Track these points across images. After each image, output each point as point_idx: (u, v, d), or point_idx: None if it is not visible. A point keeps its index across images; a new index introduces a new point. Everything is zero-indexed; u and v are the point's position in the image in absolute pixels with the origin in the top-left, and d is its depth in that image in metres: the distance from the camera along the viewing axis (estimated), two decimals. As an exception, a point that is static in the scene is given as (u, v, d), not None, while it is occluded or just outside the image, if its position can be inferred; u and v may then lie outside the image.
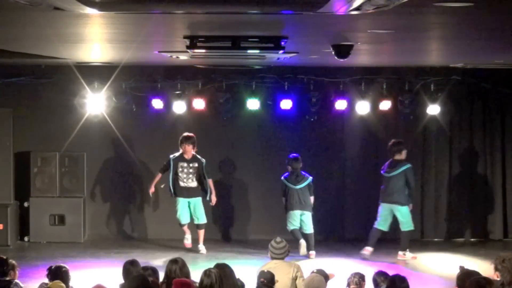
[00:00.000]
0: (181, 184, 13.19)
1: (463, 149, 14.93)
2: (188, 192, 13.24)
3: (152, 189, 13.36)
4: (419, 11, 6.62)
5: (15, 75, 14.11)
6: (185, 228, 13.38)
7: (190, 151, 13.11)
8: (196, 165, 13.20)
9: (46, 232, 14.25)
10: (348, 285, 7.94)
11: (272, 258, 8.76)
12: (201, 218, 13.32)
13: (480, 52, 10.92)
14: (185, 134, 13.23)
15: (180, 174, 13.16)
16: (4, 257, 8.18)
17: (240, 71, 13.99)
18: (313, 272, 8.19)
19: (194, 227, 13.44)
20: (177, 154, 13.20)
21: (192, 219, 13.37)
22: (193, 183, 13.24)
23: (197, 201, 13.29)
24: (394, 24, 7.62)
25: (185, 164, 13.18)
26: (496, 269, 7.39)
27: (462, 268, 7.57)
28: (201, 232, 13.36)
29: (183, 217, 13.28)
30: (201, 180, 13.24)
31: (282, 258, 8.73)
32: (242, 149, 14.70)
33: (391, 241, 14.63)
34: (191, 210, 13.29)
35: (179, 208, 13.24)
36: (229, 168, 14.77)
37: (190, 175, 13.19)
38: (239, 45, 8.64)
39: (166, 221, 14.79)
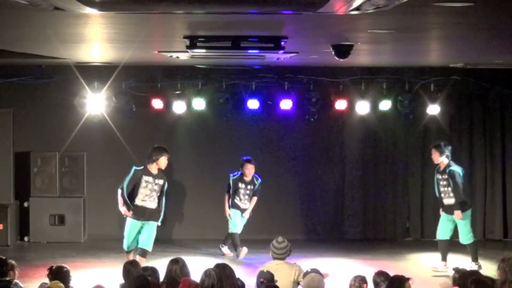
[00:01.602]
0: (138, 202, 11.28)
1: (463, 149, 14.92)
2: (144, 214, 11.29)
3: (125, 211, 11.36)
4: (419, 11, 6.62)
5: (15, 75, 14.12)
6: (131, 256, 11.29)
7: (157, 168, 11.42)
8: (161, 182, 11.42)
9: (46, 232, 14.26)
10: (351, 287, 7.93)
11: (274, 258, 8.74)
12: (148, 244, 11.27)
13: (480, 52, 10.92)
14: (157, 145, 11.57)
15: (142, 190, 11.26)
16: (3, 258, 8.18)
17: (240, 71, 14.00)
18: (308, 271, 8.19)
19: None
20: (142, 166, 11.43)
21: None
22: (153, 204, 11.35)
23: (152, 226, 11.34)
24: (394, 24, 7.62)
25: (151, 179, 11.33)
26: (498, 267, 7.42)
27: (457, 269, 7.57)
28: (143, 261, 10.87)
29: (130, 242, 11.34)
30: (160, 200, 11.42)
31: (283, 258, 8.71)
32: (242, 149, 14.68)
33: (391, 240, 14.66)
34: (140, 233, 11.35)
35: (128, 230, 11.31)
36: (228, 168, 14.75)
37: (154, 193, 11.33)
38: (239, 45, 8.64)
39: (166, 221, 14.79)
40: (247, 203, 12.92)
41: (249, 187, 12.88)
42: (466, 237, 12.01)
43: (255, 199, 12.96)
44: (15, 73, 14.08)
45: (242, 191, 12.86)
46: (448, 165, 11.90)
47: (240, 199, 12.90)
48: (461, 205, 11.86)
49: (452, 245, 14.45)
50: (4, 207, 13.88)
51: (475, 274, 7.07)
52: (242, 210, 12.91)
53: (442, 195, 11.98)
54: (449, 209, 11.97)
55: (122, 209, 11.36)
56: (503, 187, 14.95)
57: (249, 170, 12.82)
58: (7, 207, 13.91)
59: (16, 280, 8.09)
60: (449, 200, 11.97)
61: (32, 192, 14.31)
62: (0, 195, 13.90)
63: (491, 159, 14.93)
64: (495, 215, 14.92)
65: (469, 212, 12.07)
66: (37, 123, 14.54)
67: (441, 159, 11.95)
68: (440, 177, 12.03)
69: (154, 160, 11.35)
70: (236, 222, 12.90)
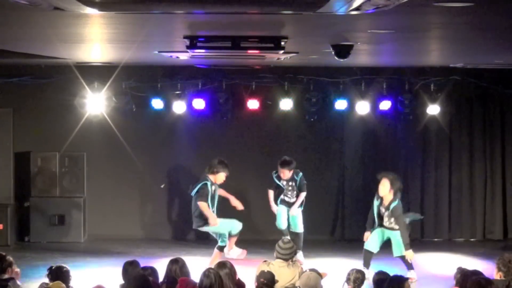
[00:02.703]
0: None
1: (463, 149, 14.94)
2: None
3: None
4: (419, 11, 6.62)
5: (15, 75, 14.12)
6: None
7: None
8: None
9: (46, 232, 14.25)
10: (348, 281, 7.93)
11: (277, 258, 8.75)
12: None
13: (480, 52, 10.92)
14: (222, 159, 12.08)
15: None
16: (3, 254, 8.18)
17: (240, 71, 14.00)
18: (305, 271, 8.19)
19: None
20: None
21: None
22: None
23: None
24: (394, 24, 7.62)
25: (213, 188, 12.07)
26: (499, 269, 7.38)
27: (459, 268, 7.56)
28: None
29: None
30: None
31: (287, 260, 8.71)
32: (242, 149, 14.70)
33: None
34: None
35: None
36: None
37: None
38: (239, 45, 8.64)
39: (166, 221, 14.81)
40: (293, 198, 12.63)
41: (290, 183, 12.61)
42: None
43: (302, 194, 12.57)
44: (15, 73, 14.07)
45: (285, 187, 12.64)
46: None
47: (286, 195, 12.65)
48: None
49: (452, 245, 14.50)
50: (4, 207, 13.89)
51: (476, 274, 7.05)
52: (290, 204, 12.65)
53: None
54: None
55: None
56: (503, 187, 14.96)
57: (283, 173, 12.52)
58: (7, 207, 13.91)
59: (16, 280, 8.10)
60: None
61: (32, 192, 14.31)
62: (0, 195, 13.91)
63: (491, 159, 14.93)
64: (495, 215, 14.93)
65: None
66: (37, 123, 14.54)
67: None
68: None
69: (215, 172, 11.82)
70: (281, 219, 12.68)
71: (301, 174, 12.64)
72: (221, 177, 11.91)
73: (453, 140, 14.93)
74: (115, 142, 14.30)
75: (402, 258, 11.48)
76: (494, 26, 7.75)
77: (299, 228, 12.68)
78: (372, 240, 11.58)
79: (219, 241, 12.04)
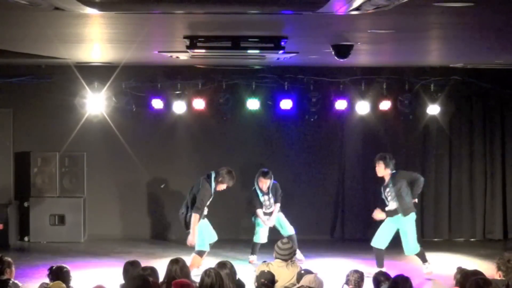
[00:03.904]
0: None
1: (463, 149, 14.94)
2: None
3: None
4: (419, 11, 6.62)
5: (15, 75, 14.12)
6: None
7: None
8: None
9: (46, 232, 14.26)
10: (347, 282, 7.94)
11: (276, 258, 8.76)
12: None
13: (480, 52, 10.92)
14: (231, 170, 11.85)
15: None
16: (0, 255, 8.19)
17: (240, 71, 14.00)
18: (301, 272, 8.19)
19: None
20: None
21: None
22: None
23: None
24: (394, 24, 7.62)
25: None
26: (499, 269, 7.37)
27: (459, 268, 7.56)
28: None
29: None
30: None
31: (286, 260, 8.72)
32: (242, 149, 14.70)
33: (391, 240, 14.66)
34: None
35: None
36: (229, 168, 14.75)
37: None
38: (239, 45, 8.64)
39: (166, 221, 14.81)
40: (271, 208, 12.56)
41: (269, 195, 12.53)
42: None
43: (277, 205, 12.57)
44: (15, 73, 14.08)
45: (264, 200, 12.54)
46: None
47: (265, 206, 12.56)
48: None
49: (452, 245, 14.49)
50: (4, 207, 13.89)
51: (476, 274, 7.05)
52: (266, 214, 12.61)
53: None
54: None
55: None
56: (503, 187, 14.96)
57: (264, 183, 12.44)
58: (7, 207, 13.91)
59: (15, 281, 8.09)
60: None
61: (32, 192, 14.31)
62: (0, 195, 13.91)
63: (491, 159, 14.94)
64: (495, 215, 14.93)
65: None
66: (37, 123, 14.54)
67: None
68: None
69: (219, 181, 11.67)
70: (261, 235, 12.60)
71: (278, 188, 12.62)
72: (222, 187, 11.78)
73: (453, 140, 14.94)
74: (115, 142, 14.30)
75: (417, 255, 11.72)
76: (494, 26, 7.75)
77: (289, 230, 12.59)
78: (380, 236, 11.77)
79: (196, 245, 11.67)
